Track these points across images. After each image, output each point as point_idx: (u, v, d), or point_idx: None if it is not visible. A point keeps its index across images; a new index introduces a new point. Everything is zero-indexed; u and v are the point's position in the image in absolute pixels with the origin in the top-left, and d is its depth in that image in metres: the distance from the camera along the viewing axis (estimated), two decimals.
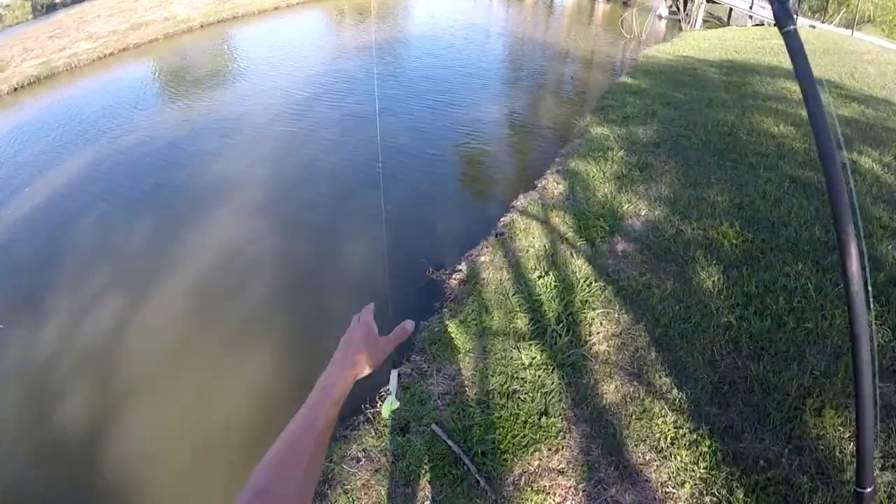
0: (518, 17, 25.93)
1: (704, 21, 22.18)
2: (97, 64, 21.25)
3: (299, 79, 14.92)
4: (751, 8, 20.23)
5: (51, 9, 57.62)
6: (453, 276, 6.03)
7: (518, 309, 5.01)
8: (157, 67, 19.76)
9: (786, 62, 12.08)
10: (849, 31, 19.53)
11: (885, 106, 9.68)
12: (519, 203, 7.22)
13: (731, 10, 22.20)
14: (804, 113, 6.80)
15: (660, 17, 24.26)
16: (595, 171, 7.40)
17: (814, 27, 18.85)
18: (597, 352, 4.41)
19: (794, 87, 10.29)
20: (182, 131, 12.06)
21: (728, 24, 22.35)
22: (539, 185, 7.61)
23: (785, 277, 4.87)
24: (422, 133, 10.54)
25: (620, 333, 4.56)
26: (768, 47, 14.52)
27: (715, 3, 22.14)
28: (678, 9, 23.79)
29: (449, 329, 4.96)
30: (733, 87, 10.58)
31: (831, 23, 21.70)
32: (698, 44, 15.91)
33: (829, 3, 22.40)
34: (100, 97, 15.71)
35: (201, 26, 25.90)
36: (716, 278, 4.96)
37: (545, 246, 5.88)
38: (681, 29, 21.50)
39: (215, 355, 5.83)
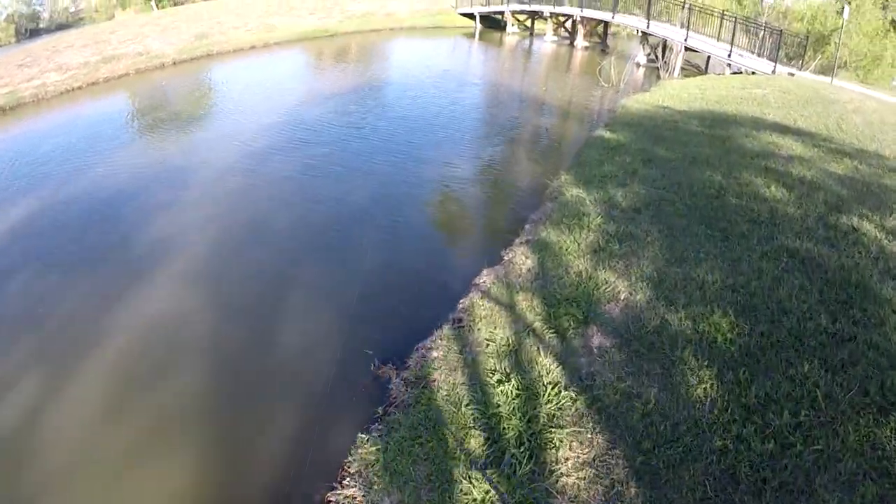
0: (495, 64, 25.53)
1: (682, 69, 21.81)
2: (65, 97, 20.79)
3: (262, 125, 14.24)
4: (729, 56, 19.83)
5: (34, 33, 58.17)
6: (400, 375, 5.13)
7: (472, 424, 4.15)
8: (122, 106, 19.26)
9: (770, 113, 11.51)
10: (826, 78, 19.15)
11: (877, 160, 9.06)
12: (482, 281, 6.39)
13: (708, 57, 21.87)
14: (795, 171, 6.03)
15: (638, 65, 23.94)
16: (569, 242, 6.60)
17: (792, 75, 18.45)
18: (564, 486, 3.61)
19: (781, 142, 9.68)
20: (133, 180, 11.28)
21: (706, 73, 21.98)
22: (506, 258, 6.81)
23: (789, 383, 4.08)
24: (383, 194, 9.75)
25: (594, 460, 3.73)
26: (750, 97, 13.97)
27: (693, 51, 21.78)
28: (656, 57, 23.51)
29: (389, 447, 4.07)
30: (717, 141, 9.93)
31: (807, 69, 21.38)
32: (677, 93, 15.36)
33: (806, 49, 22.09)
34: (59, 134, 15.07)
35: (174, 63, 25.85)
36: (708, 385, 4.13)
37: (508, 339, 5.02)
38: (659, 77, 21.09)
39: (126, 457, 4.91)
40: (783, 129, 10.77)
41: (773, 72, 18.59)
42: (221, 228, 8.97)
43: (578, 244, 6.61)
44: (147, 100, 19.96)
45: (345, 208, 9.35)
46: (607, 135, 11.02)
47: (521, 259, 6.57)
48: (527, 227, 7.67)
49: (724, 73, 20.28)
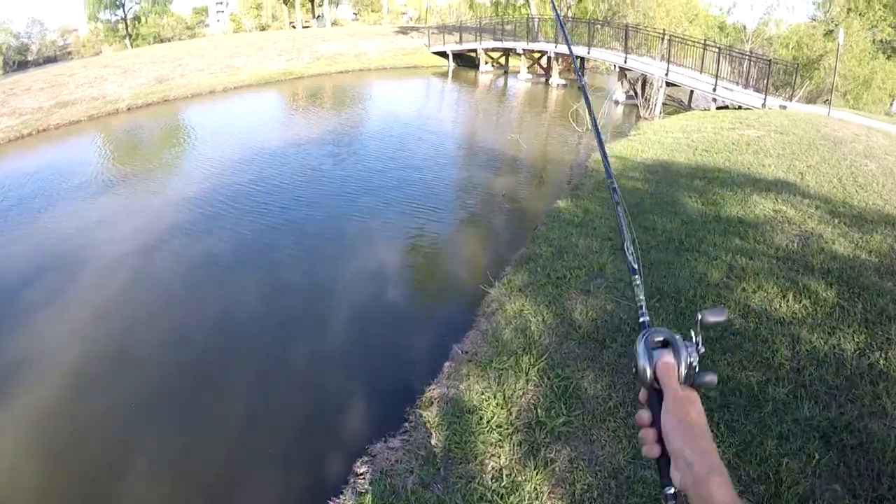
0: (466, 106, 23.57)
1: (664, 104, 19.88)
2: (12, 145, 19.51)
3: (206, 187, 12.26)
4: (714, 90, 17.89)
5: (22, 65, 57.92)
6: None
7: None
8: (62, 158, 17.46)
9: (770, 164, 9.45)
10: (818, 109, 17.23)
11: None
12: (358, 477, 4.14)
13: (692, 91, 19.94)
14: (816, 261, 5.67)
15: (616, 102, 22.18)
16: (493, 406, 4.46)
17: (784, 107, 16.50)
18: None
19: (790, 212, 7.56)
20: (30, 258, 9.35)
21: (689, 107, 20.08)
22: (406, 426, 4.60)
23: None
24: (250, 322, 7.48)
25: None
26: (743, 141, 11.93)
27: (674, 85, 19.86)
28: (636, 93, 21.60)
29: None
30: (710, 213, 7.89)
31: (797, 98, 19.40)
32: (659, 138, 13.34)
33: (795, 77, 20.12)
34: None
35: (128, 108, 24.54)
36: None
37: None
38: (639, 116, 19.14)
39: None
40: (790, 189, 8.68)
41: (764, 105, 16.67)
42: (105, 344, 6.70)
43: (508, 409, 4.43)
44: (85, 152, 18.19)
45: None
46: (573, 204, 8.93)
47: (423, 433, 4.37)
48: (445, 367, 5.44)
49: (709, 109, 18.40)
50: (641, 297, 1.35)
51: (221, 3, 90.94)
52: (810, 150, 10.98)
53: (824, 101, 24.37)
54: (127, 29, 55.96)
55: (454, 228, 9.63)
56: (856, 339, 4.74)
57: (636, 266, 1.41)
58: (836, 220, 7.32)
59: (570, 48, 2.78)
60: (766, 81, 17.45)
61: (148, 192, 12.58)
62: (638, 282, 1.39)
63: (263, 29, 64.01)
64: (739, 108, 17.30)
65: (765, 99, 17.00)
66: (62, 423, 5.56)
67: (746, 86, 19.30)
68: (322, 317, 7.17)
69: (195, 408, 5.69)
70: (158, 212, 11.01)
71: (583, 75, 23.13)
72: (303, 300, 7.63)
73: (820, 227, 7.09)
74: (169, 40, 57.90)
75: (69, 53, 64.52)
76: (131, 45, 52.99)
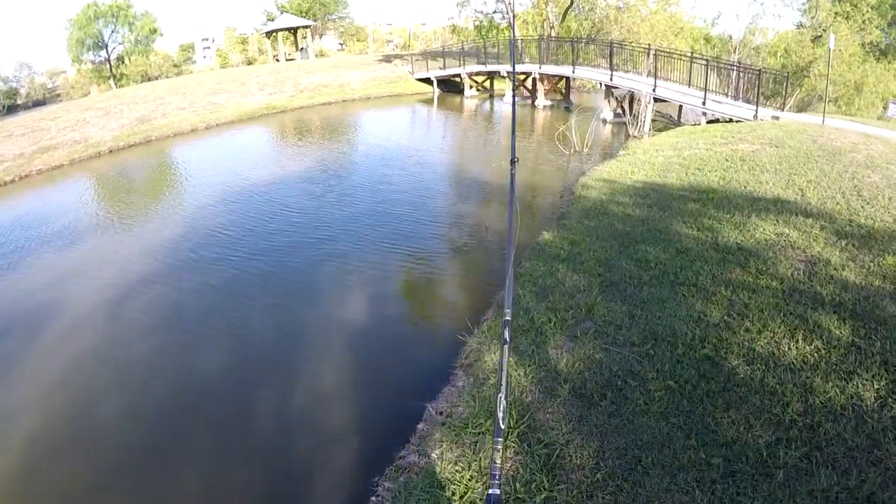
0: (450, 134, 23.09)
1: (653, 120, 19.38)
2: None
3: (178, 235, 11.74)
4: (703, 104, 17.40)
5: (11, 109, 57.76)
6: None
7: None
8: (39, 207, 16.90)
9: (768, 181, 8.95)
10: (811, 118, 16.75)
11: None
12: None
13: (681, 106, 19.46)
14: (825, 292, 5.37)
15: (604, 121, 21.72)
16: (466, 478, 3.85)
17: (777, 118, 15.99)
18: None
19: (793, 234, 6.99)
20: None
21: (679, 122, 19.60)
22: (374, 500, 3.99)
23: None
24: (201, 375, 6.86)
25: None
26: (737, 157, 11.40)
27: (663, 101, 19.39)
28: (623, 111, 21.10)
29: None
30: (706, 239, 7.32)
31: (787, 108, 18.87)
32: (650, 158, 12.79)
33: (787, 86, 19.63)
34: None
35: (110, 151, 24.32)
36: None
37: None
38: (628, 135, 18.63)
39: None
40: (790, 208, 8.10)
41: (755, 116, 16.17)
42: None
43: (483, 483, 3.81)
44: (63, 199, 17.65)
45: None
46: (559, 236, 8.35)
47: None
48: (418, 429, 4.85)
49: (699, 123, 17.90)
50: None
51: (207, 40, 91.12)
52: (808, 163, 10.42)
53: (816, 109, 23.95)
54: (111, 69, 55.75)
55: (435, 268, 9.03)
56: (875, 386, 4.13)
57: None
58: (844, 242, 6.72)
59: (513, 67, 2.19)
60: (756, 92, 16.95)
61: (119, 243, 12.03)
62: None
63: (250, 63, 63.95)
64: (730, 120, 16.82)
65: (756, 110, 16.50)
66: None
67: (736, 97, 18.84)
68: (289, 375, 6.56)
69: (154, 476, 5.06)
70: (127, 264, 10.45)
71: (569, 95, 22.83)
72: (268, 359, 7.01)
73: (827, 251, 6.49)
74: (157, 78, 57.84)
75: (58, 95, 64.51)
76: (116, 85, 52.79)
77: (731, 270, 6.31)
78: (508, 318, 1.64)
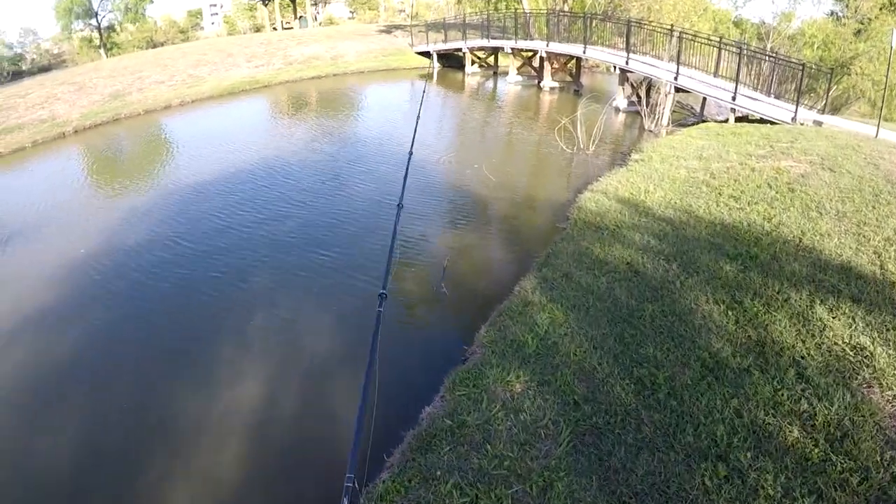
0: (445, 117, 20.24)
1: (672, 111, 16.67)
2: None
3: (108, 241, 9.67)
4: (734, 99, 14.70)
5: (17, 75, 56.25)
6: None
7: None
8: None
9: (827, 229, 6.40)
10: (858, 125, 14.05)
11: None
12: None
13: (704, 98, 16.74)
14: None
15: (617, 110, 18.95)
16: None
17: (820, 124, 13.27)
18: None
19: (880, 356, 4.40)
20: None
21: (702, 116, 16.87)
22: None
23: None
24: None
25: None
26: (781, 181, 8.90)
27: (685, 91, 16.67)
28: (639, 99, 18.32)
29: None
30: (750, 349, 4.82)
31: (824, 108, 15.95)
32: (669, 170, 10.22)
33: (830, 82, 16.74)
34: None
35: (75, 131, 21.66)
36: None
37: None
38: (643, 129, 15.96)
39: None
40: (869, 292, 5.58)
41: (794, 119, 13.49)
42: None
43: None
44: (20, 186, 15.43)
45: None
46: (530, 306, 5.83)
47: None
48: None
49: (726, 120, 15.22)
50: None
51: (215, 6, 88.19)
52: (878, 204, 7.84)
53: (850, 111, 21.11)
54: (101, 39, 52.81)
55: (325, 384, 6.22)
56: None
57: None
58: None
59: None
60: (796, 90, 14.22)
61: (44, 250, 9.63)
62: None
63: (258, 30, 61.33)
64: (761, 120, 14.17)
65: (795, 112, 13.81)
66: None
67: (769, 92, 16.09)
68: None
69: None
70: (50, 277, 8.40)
71: (579, 76, 20.02)
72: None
73: None
74: (162, 45, 55.52)
75: (63, 61, 62.77)
76: (107, 55, 49.97)
77: (787, 429, 3.79)
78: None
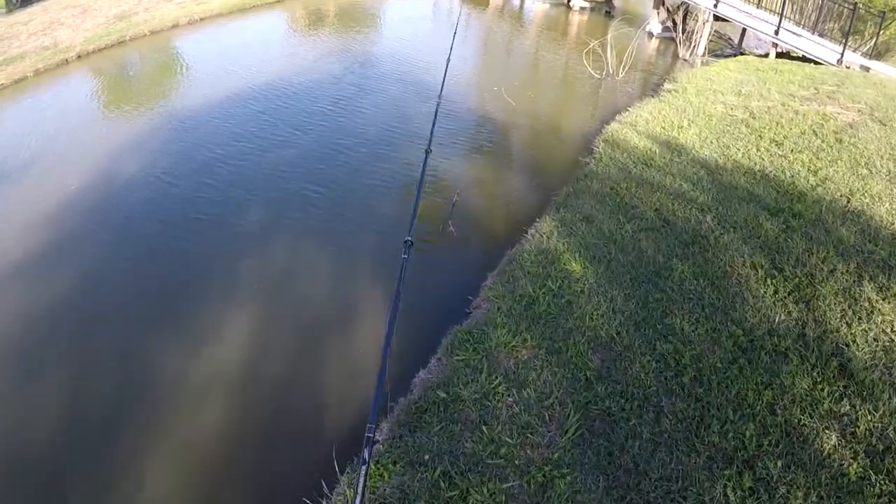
0: (468, 39, 18.89)
1: (709, 41, 15.58)
2: None
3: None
4: (776, 34, 13.60)
5: (26, 2, 54.34)
6: None
7: None
8: None
9: (879, 192, 5.69)
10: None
11: None
12: None
13: (744, 30, 15.59)
14: None
15: (650, 35, 17.78)
16: None
17: (867, 69, 12.27)
18: None
19: None
20: None
21: (740, 48, 15.77)
22: None
23: None
24: None
25: None
26: (828, 129, 8.14)
27: (724, 20, 15.50)
28: (675, 25, 17.08)
29: None
30: (790, 327, 4.27)
31: (859, 51, 14.66)
32: (705, 105, 9.44)
33: (881, 26, 15.33)
34: None
35: (78, 56, 20.11)
36: None
37: None
38: (677, 57, 14.94)
39: None
40: None
41: (840, 61, 12.49)
42: None
43: None
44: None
45: None
46: (545, 252, 5.34)
47: None
48: None
49: (767, 54, 14.17)
50: None
51: None
52: None
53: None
54: None
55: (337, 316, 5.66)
56: None
57: None
58: None
59: None
60: (847, 31, 13.11)
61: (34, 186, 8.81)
62: None
63: None
64: (803, 58, 13.16)
65: (842, 53, 12.76)
66: None
67: (812, 30, 14.92)
68: None
69: None
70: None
71: None
72: None
73: None
74: None
75: None
76: None
77: (824, 436, 3.27)
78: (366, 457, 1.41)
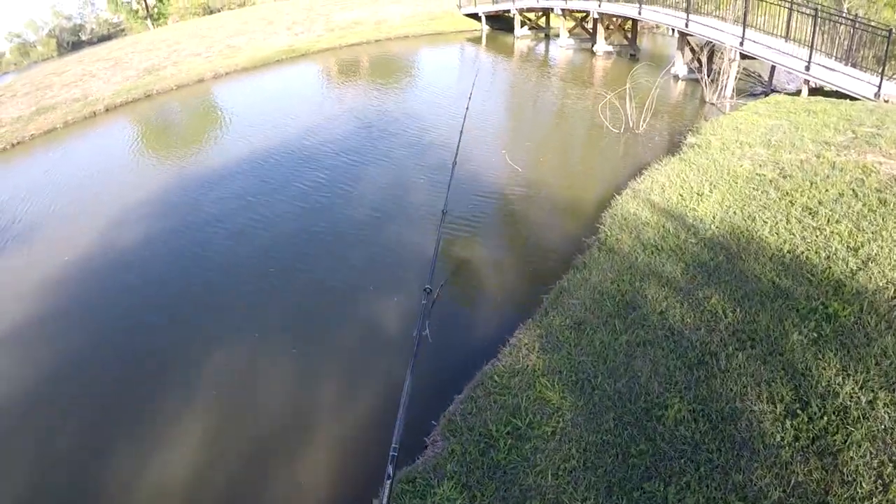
0: (492, 87, 18.30)
1: (738, 79, 14.60)
2: None
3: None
4: (807, 69, 12.54)
5: (76, 45, 57.80)
6: None
7: None
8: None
9: None
10: None
11: None
12: None
13: (773, 67, 14.54)
14: None
15: (676, 77, 16.91)
16: None
17: None
18: None
19: None
20: None
21: (770, 87, 14.72)
22: None
23: None
24: None
25: None
26: (870, 186, 7.24)
27: (751, 58, 14.52)
28: (700, 65, 16.15)
29: None
30: (813, 481, 3.46)
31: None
32: (730, 162, 8.54)
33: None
34: None
35: (106, 109, 21.15)
36: None
37: None
38: (704, 101, 13.99)
39: None
40: None
41: (878, 94, 11.35)
42: None
43: None
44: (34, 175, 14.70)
45: None
46: (525, 370, 4.64)
47: None
48: None
49: (799, 92, 13.09)
50: None
51: None
52: None
53: None
54: (147, 9, 52.37)
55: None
56: None
57: None
58: None
59: None
60: (883, 59, 11.98)
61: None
62: None
63: None
64: (836, 92, 12.06)
65: (879, 86, 11.61)
66: None
67: (845, 61, 13.78)
68: None
69: None
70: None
71: (635, 39, 17.94)
72: None
73: None
74: (219, 11, 55.22)
75: (123, 30, 63.65)
76: (154, 25, 49.55)
77: None
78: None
